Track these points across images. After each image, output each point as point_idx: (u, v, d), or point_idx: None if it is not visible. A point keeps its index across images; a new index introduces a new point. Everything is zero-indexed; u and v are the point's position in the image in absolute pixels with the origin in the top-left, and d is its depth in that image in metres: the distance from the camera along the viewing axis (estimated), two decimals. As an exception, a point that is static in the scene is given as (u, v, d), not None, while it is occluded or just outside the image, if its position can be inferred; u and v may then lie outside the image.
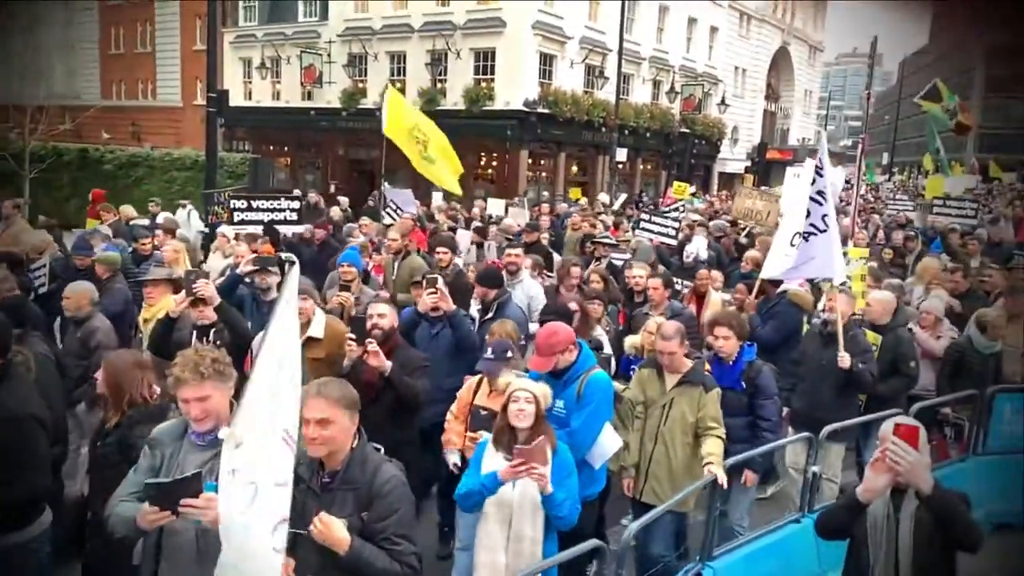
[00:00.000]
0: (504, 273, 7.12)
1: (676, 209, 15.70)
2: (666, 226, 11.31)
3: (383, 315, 5.04)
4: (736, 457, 4.75)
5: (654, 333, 5.20)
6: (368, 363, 4.66)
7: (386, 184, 12.59)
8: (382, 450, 3.21)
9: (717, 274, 8.53)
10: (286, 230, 9.74)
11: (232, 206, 9.81)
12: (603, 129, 27.29)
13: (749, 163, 34.81)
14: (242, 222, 9.53)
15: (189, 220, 14.09)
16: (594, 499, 4.67)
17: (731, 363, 5.20)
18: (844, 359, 5.73)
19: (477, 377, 4.89)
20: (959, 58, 74.33)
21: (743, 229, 12.83)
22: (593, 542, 3.76)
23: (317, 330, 5.42)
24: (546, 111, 26.19)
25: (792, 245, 6.75)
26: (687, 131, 33.50)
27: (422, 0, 27.38)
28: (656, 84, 32.81)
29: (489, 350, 4.73)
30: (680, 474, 4.74)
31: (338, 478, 3.04)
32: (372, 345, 4.65)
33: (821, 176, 6.44)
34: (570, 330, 4.68)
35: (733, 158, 38.91)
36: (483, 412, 4.66)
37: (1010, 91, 70.71)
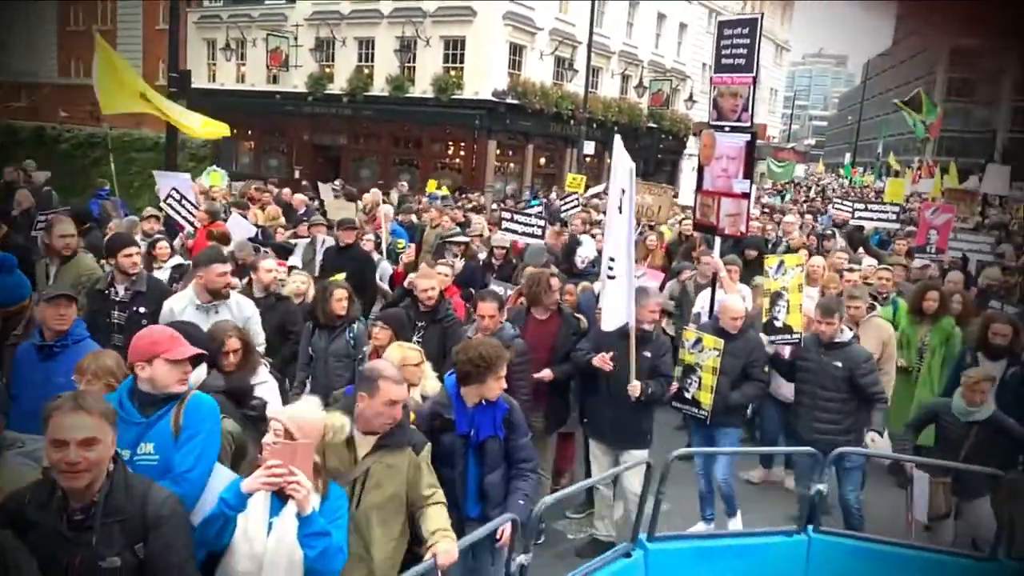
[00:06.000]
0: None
1: (568, 203, 14.88)
2: (529, 224, 9.87)
3: None
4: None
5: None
6: None
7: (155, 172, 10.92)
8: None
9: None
10: None
11: None
12: (571, 122, 27.30)
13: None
14: None
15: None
16: None
17: (491, 404, 4.05)
18: (635, 388, 5.30)
19: None
20: (922, 61, 75.81)
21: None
22: None
23: None
24: (515, 102, 26.10)
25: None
26: (654, 126, 33.68)
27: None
28: (625, 78, 32.87)
29: None
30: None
31: (97, 510, 2.47)
32: None
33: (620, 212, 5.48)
34: (176, 335, 3.37)
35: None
36: None
37: (970, 95, 72.39)
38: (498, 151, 27.38)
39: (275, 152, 32.22)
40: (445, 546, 3.28)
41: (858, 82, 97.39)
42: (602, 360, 5.45)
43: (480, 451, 4.04)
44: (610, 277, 5.55)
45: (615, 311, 5.51)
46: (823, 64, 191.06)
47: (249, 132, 32.42)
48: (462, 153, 27.52)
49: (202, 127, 11.56)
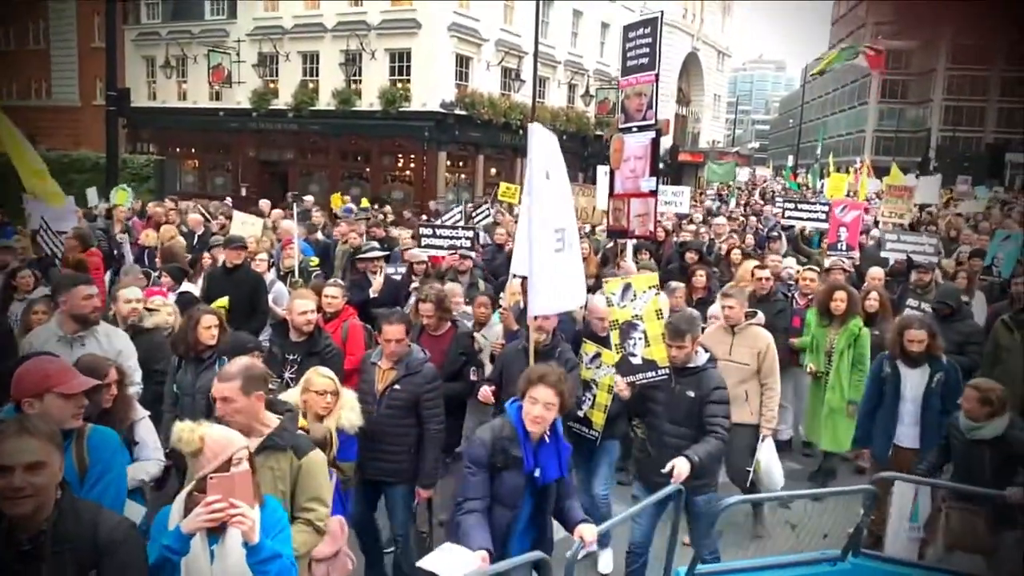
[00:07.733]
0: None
1: (480, 215, 14.18)
2: (455, 236, 9.02)
3: None
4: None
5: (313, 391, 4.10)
6: None
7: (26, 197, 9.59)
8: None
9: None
10: None
11: None
12: (521, 132, 27.41)
13: (661, 165, 35.58)
14: None
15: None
16: None
17: (554, 439, 3.67)
18: None
19: None
20: (856, 64, 78.11)
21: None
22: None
23: None
24: (463, 113, 26.14)
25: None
26: (602, 134, 34.03)
27: (335, -1, 26.95)
28: (571, 87, 33.19)
29: None
30: None
31: (46, 538, 2.35)
32: None
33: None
34: (68, 366, 3.24)
35: (647, 160, 39.65)
36: None
37: (903, 96, 74.96)
38: (448, 162, 27.37)
39: (220, 170, 31.67)
40: None
41: (797, 86, 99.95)
42: (484, 396, 5.16)
43: (543, 493, 3.65)
44: (558, 251, 4.91)
45: (574, 289, 5.11)
46: (763, 69, 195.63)
47: (193, 150, 31.86)
48: (412, 165, 27.42)
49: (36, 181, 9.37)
